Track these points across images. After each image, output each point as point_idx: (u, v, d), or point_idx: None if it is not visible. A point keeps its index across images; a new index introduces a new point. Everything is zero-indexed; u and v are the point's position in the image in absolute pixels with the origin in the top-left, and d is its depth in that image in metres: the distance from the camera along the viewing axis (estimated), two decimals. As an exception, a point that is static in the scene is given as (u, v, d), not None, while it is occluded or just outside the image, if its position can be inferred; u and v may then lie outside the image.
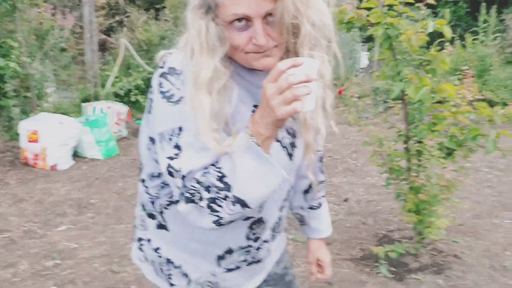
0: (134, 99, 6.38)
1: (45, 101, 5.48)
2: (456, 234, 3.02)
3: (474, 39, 7.46)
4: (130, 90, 6.37)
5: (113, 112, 5.39)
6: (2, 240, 3.06)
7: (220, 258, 1.11)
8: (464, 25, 10.81)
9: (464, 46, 7.37)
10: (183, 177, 0.90)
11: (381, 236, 3.02)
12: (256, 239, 1.12)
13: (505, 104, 2.45)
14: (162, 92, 0.94)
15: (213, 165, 0.90)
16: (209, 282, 1.14)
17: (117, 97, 6.27)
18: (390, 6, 2.27)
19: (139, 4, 10.17)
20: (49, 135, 4.36)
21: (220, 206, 0.89)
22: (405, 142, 2.63)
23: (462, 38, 7.57)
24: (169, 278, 1.15)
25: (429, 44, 2.34)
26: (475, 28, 7.96)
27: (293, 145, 1.03)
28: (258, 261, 1.18)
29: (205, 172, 0.89)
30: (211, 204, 0.89)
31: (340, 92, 6.96)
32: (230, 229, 1.06)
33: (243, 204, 0.89)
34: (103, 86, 6.41)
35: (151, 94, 0.98)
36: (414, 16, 2.36)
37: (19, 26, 5.14)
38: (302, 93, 0.79)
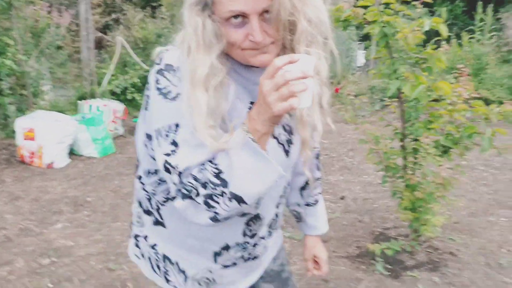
0: (131, 97, 6.37)
1: (41, 99, 5.46)
2: (452, 231, 3.03)
3: (470, 38, 7.48)
4: (126, 88, 6.36)
5: (109, 110, 5.38)
6: (-2, 238, 3.06)
7: (217, 254, 1.11)
8: (461, 24, 10.84)
9: (460, 45, 7.39)
10: (180, 173, 0.90)
11: (377, 234, 3.03)
12: (252, 236, 1.12)
13: (501, 103, 2.46)
14: (158, 89, 0.94)
15: (209, 161, 0.90)
16: (206, 278, 1.15)
17: (113, 95, 6.26)
18: (387, 5, 2.27)
19: (136, 2, 10.14)
20: (45, 133, 4.35)
21: (216, 202, 0.89)
22: (401, 140, 2.63)
23: (458, 37, 7.59)
24: (166, 274, 1.15)
25: (425, 42, 2.35)
26: (472, 27, 7.98)
27: (289, 142, 1.03)
28: (255, 257, 1.18)
29: (201, 169, 0.89)
30: (208, 200, 0.89)
31: (336, 91, 6.97)
32: (227, 226, 1.06)
33: (240, 200, 0.89)
34: (99, 84, 6.40)
35: (148, 90, 0.98)
36: (411, 15, 2.36)
37: (15, 23, 5.12)
38: (299, 89, 0.79)
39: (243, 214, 1.07)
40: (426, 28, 2.12)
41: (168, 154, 0.92)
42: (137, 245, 1.21)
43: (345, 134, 5.69)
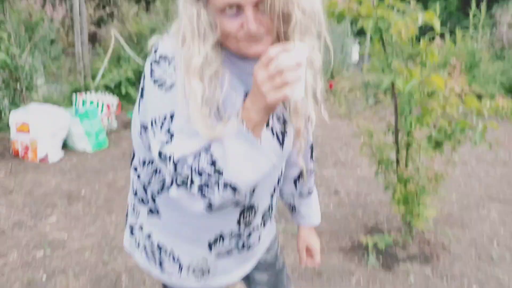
0: (125, 92, 6.34)
1: (35, 92, 5.44)
2: (443, 225, 3.06)
3: (464, 34, 7.52)
4: (120, 83, 6.34)
5: (103, 104, 5.37)
6: (-9, 231, 3.05)
7: (212, 243, 1.13)
8: (455, 21, 10.88)
9: (454, 41, 7.43)
10: (175, 162, 0.91)
11: (370, 227, 3.06)
12: (247, 225, 1.14)
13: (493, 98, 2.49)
14: (153, 79, 0.94)
15: (204, 150, 0.91)
16: (201, 268, 1.16)
17: (108, 89, 6.24)
18: (381, -1, 2.29)
19: (130, -4, 10.09)
20: (39, 127, 4.33)
21: (211, 190, 0.90)
22: (394, 134, 2.65)
23: (452, 33, 7.62)
24: (161, 264, 1.16)
25: (419, 38, 2.37)
26: (465, 24, 8.02)
27: (283, 132, 1.04)
28: (249, 247, 1.20)
29: (196, 158, 0.90)
30: (203, 189, 0.90)
31: (331, 86, 7.00)
32: (221, 215, 1.08)
33: (234, 189, 0.90)
34: (93, 78, 6.38)
35: (143, 81, 0.99)
36: (405, 10, 2.38)
37: (8, 17, 5.08)
38: (292, 78, 0.81)
39: (238, 204, 1.08)
40: (420, 22, 2.13)
41: (163, 144, 0.92)
42: (132, 235, 1.22)
43: (339, 129, 5.70)
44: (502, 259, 2.69)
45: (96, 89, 6.08)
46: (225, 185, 0.90)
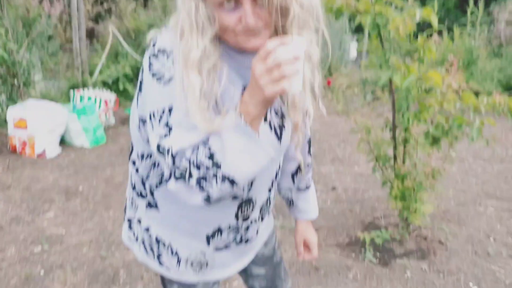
0: (122, 88, 6.33)
1: (33, 88, 5.43)
2: (440, 221, 3.08)
3: (461, 31, 7.53)
4: (118, 79, 6.33)
5: (101, 100, 5.36)
6: (-11, 226, 3.05)
7: (210, 237, 1.13)
8: (453, 18, 10.88)
9: (452, 38, 7.44)
10: (173, 155, 0.91)
11: (367, 223, 3.07)
12: (245, 219, 1.14)
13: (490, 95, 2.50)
14: (152, 72, 0.94)
15: (202, 143, 0.91)
16: (199, 261, 1.16)
17: (105, 85, 6.23)
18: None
19: (128, -8, 10.06)
20: (37, 122, 4.33)
21: (209, 183, 0.91)
22: (392, 130, 2.66)
23: (450, 30, 7.63)
24: (159, 257, 1.17)
25: (417, 34, 2.37)
26: (463, 21, 8.03)
27: (281, 126, 1.05)
28: (247, 241, 1.20)
29: (195, 151, 0.90)
30: (201, 182, 0.91)
31: (329, 83, 7.00)
32: (219, 209, 1.08)
33: (232, 182, 0.91)
34: (91, 74, 6.36)
35: (141, 74, 0.99)
36: (403, 6, 2.38)
37: (5, 13, 5.07)
38: (290, 72, 0.81)
39: (236, 197, 1.09)
40: (417, 18, 2.14)
41: (161, 137, 0.93)
42: (130, 229, 1.23)
43: (336, 126, 5.71)
44: (498, 254, 2.70)
45: (94, 85, 6.08)
46: (223, 178, 0.90)
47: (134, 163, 1.14)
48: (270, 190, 1.18)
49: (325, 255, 2.68)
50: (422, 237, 2.83)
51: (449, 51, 6.48)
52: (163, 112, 0.93)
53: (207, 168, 0.89)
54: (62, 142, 4.74)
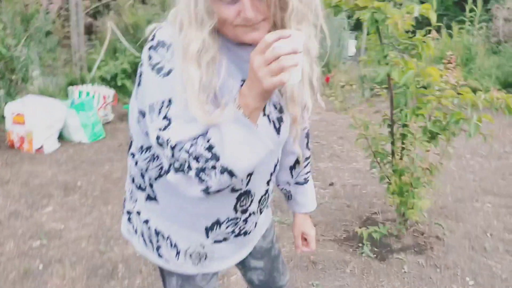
0: (121, 84, 6.32)
1: (31, 83, 5.42)
2: (438, 217, 3.09)
3: (460, 28, 7.53)
4: (116, 75, 6.32)
5: (99, 96, 5.36)
6: (-12, 221, 3.06)
7: (208, 229, 1.14)
8: (451, 15, 10.89)
9: (450, 35, 7.45)
10: (172, 147, 0.92)
11: (365, 219, 3.08)
12: (243, 211, 1.15)
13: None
14: (151, 65, 0.95)
15: (202, 135, 0.92)
16: (198, 253, 1.17)
17: (103, 81, 6.22)
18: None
19: (126, -13, 10.02)
20: (35, 118, 4.32)
21: (208, 175, 0.91)
22: (390, 126, 2.67)
23: (449, 27, 7.64)
24: (158, 250, 1.18)
25: (415, 31, 2.38)
26: (462, 18, 8.03)
27: (280, 119, 1.06)
28: (245, 233, 1.21)
29: (194, 143, 0.91)
30: (200, 174, 0.91)
31: (327, 80, 7.00)
32: (218, 201, 1.09)
33: (231, 173, 0.92)
34: (89, 69, 6.35)
35: (141, 67, 1.00)
36: (402, 2, 2.39)
37: (4, 8, 5.06)
38: (289, 64, 0.81)
39: (235, 190, 1.09)
40: (416, 14, 2.14)
41: (160, 129, 0.93)
42: (129, 221, 1.23)
43: (335, 123, 5.72)
44: (495, 250, 2.72)
45: (92, 81, 6.07)
46: (222, 170, 0.91)
47: (133, 156, 1.15)
48: (268, 183, 1.19)
49: (323, 250, 2.70)
50: (420, 232, 2.84)
51: (448, 48, 6.49)
52: (162, 104, 0.93)
53: (206, 160, 0.90)
54: (61, 137, 4.74)
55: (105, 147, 4.68)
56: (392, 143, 2.69)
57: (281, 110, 1.06)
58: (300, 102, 1.07)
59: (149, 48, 0.96)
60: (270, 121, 1.03)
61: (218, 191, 0.96)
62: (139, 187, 1.16)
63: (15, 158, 4.23)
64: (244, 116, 0.90)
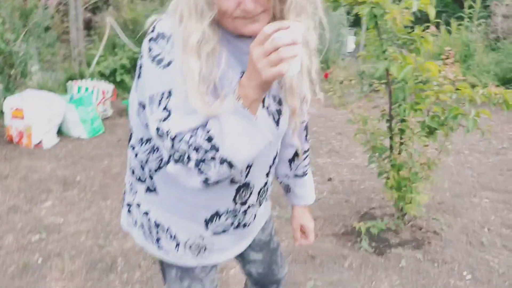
0: (120, 79, 6.32)
1: (30, 79, 5.41)
2: (436, 212, 3.10)
3: (459, 25, 7.54)
4: (115, 70, 6.31)
5: (98, 91, 5.36)
6: (-13, 215, 3.06)
7: (208, 221, 1.15)
8: (450, 12, 10.88)
9: (449, 32, 7.45)
10: (172, 138, 0.92)
11: (363, 213, 3.09)
12: (243, 203, 1.16)
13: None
14: (151, 57, 0.96)
15: (201, 127, 0.92)
16: (197, 245, 1.18)
17: (102, 76, 6.21)
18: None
19: (125, -17, 9.99)
20: (34, 113, 4.32)
21: (208, 166, 0.92)
22: (388, 121, 2.68)
23: (448, 24, 7.64)
24: (158, 241, 1.18)
25: (414, 27, 2.39)
26: (461, 14, 8.03)
27: (279, 112, 1.07)
28: (244, 225, 1.22)
29: (193, 134, 0.92)
30: (199, 165, 0.92)
31: (326, 76, 7.00)
32: (218, 192, 1.10)
33: (230, 165, 0.92)
34: (88, 65, 6.35)
35: (141, 59, 1.01)
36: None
37: (2, 3, 5.05)
38: (288, 55, 0.82)
39: (234, 182, 1.10)
40: (414, 9, 2.15)
41: (160, 120, 0.94)
42: (129, 213, 1.24)
43: (333, 119, 5.73)
44: (492, 245, 2.73)
45: (91, 76, 6.06)
46: (222, 161, 0.91)
47: (133, 148, 1.15)
48: (267, 176, 1.20)
49: (321, 245, 2.71)
50: (417, 227, 2.86)
51: (446, 45, 6.50)
52: (163, 95, 0.94)
53: (206, 151, 0.91)
54: (60, 132, 4.74)
55: (104, 142, 4.69)
56: (391, 138, 2.69)
57: (280, 103, 1.07)
58: (299, 94, 1.08)
59: (149, 40, 0.97)
60: (269, 114, 1.04)
61: (218, 182, 0.97)
62: (139, 179, 1.17)
63: (14, 153, 4.24)
64: (243, 107, 0.90)
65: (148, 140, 1.10)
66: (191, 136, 0.91)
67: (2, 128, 4.66)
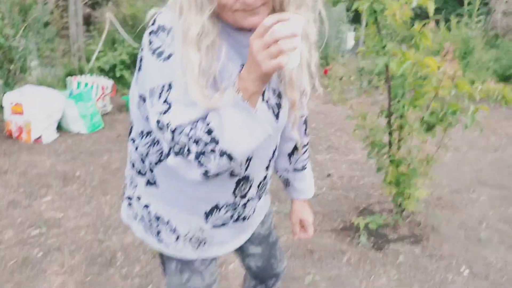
0: (119, 75, 6.32)
1: (29, 74, 5.41)
2: (434, 207, 3.12)
3: (458, 22, 7.54)
4: (115, 66, 6.31)
5: (98, 86, 5.35)
6: (-14, 210, 3.07)
7: (208, 213, 1.16)
8: (450, 8, 10.88)
9: (449, 29, 7.45)
10: (172, 131, 0.93)
11: (362, 209, 3.11)
12: (242, 196, 1.17)
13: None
14: (152, 49, 0.96)
15: (201, 119, 0.93)
16: (197, 238, 1.19)
17: (102, 72, 6.21)
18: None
19: (125, -22, 9.96)
20: (33, 108, 4.32)
21: (207, 158, 0.93)
22: (387, 116, 2.69)
23: (447, 21, 7.64)
24: (158, 234, 1.19)
25: (413, 23, 2.39)
26: (460, 11, 8.04)
27: (279, 105, 1.07)
28: (244, 218, 1.23)
29: (193, 126, 0.92)
30: (199, 157, 0.92)
31: (325, 72, 7.00)
32: (218, 185, 1.11)
33: (230, 157, 0.93)
34: (88, 60, 6.34)
35: (141, 52, 1.01)
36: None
37: (1, -3, 5.04)
38: (287, 47, 0.82)
39: (234, 175, 1.11)
40: (414, 4, 2.15)
41: (161, 113, 0.94)
42: (130, 206, 1.25)
43: (333, 115, 5.74)
44: (490, 240, 2.75)
45: (91, 72, 6.06)
46: (221, 153, 0.92)
47: (133, 141, 1.16)
48: (267, 169, 1.21)
49: (320, 240, 2.72)
50: (416, 222, 2.87)
51: (446, 41, 6.49)
52: (163, 88, 0.94)
53: (206, 143, 0.91)
54: (59, 128, 4.73)
55: (104, 137, 4.69)
56: (390, 134, 2.70)
57: (279, 96, 1.07)
58: (298, 88, 1.08)
59: (150, 33, 0.97)
60: (269, 107, 1.04)
61: (217, 174, 0.97)
62: (139, 172, 1.17)
63: (13, 148, 4.24)
64: (243, 100, 0.91)
65: (149, 133, 1.10)
66: (191, 129, 0.92)
67: (1, 123, 4.66)
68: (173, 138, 0.93)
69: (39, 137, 4.40)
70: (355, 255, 2.57)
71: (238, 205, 1.18)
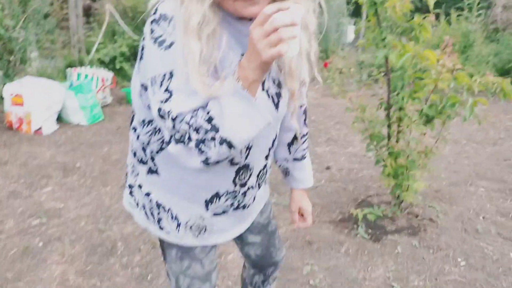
0: (119, 66, 6.32)
1: (29, 65, 5.41)
2: (432, 199, 3.14)
3: (458, 16, 7.53)
4: (115, 57, 6.31)
5: (98, 78, 5.36)
6: (-13, 200, 3.09)
7: (208, 201, 1.17)
8: (451, 2, 10.85)
9: (449, 22, 7.45)
10: (173, 119, 0.94)
11: (360, 201, 3.13)
12: (242, 185, 1.18)
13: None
14: (153, 38, 0.97)
15: (202, 108, 0.94)
16: (198, 225, 1.21)
17: (102, 64, 6.22)
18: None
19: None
20: (34, 99, 4.34)
21: (208, 146, 0.94)
22: (386, 109, 2.70)
23: (447, 15, 7.63)
24: (159, 222, 1.21)
25: (413, 16, 2.40)
26: (460, 5, 8.02)
27: (278, 95, 1.08)
28: (244, 206, 1.24)
29: (194, 115, 0.93)
30: (200, 145, 0.94)
31: (325, 65, 7.00)
32: (218, 173, 1.12)
33: (230, 145, 0.94)
34: (88, 52, 6.34)
35: (143, 41, 1.02)
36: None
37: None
38: (287, 36, 0.83)
39: (234, 163, 1.12)
40: (413, -4, 2.16)
41: (162, 101, 0.95)
42: (131, 195, 1.26)
43: (332, 108, 5.75)
44: (487, 232, 2.77)
45: (91, 64, 6.06)
46: (221, 141, 0.93)
47: (135, 129, 1.17)
48: (267, 158, 1.22)
49: (318, 231, 2.74)
50: (414, 214, 2.89)
51: (446, 35, 6.49)
52: (164, 77, 0.95)
53: (206, 131, 0.92)
54: (59, 119, 4.75)
55: (104, 129, 4.71)
56: (389, 126, 2.72)
57: (279, 86, 1.08)
58: (298, 77, 1.10)
59: (151, 22, 0.98)
60: (269, 96, 1.06)
61: (218, 162, 0.99)
62: (141, 161, 1.19)
63: (13, 139, 4.25)
64: (243, 89, 0.92)
65: (150, 121, 1.11)
66: (191, 117, 0.93)
67: (1, 114, 4.68)
68: (174, 126, 0.94)
69: (39, 128, 4.41)
70: (353, 246, 2.60)
71: (238, 194, 1.19)
